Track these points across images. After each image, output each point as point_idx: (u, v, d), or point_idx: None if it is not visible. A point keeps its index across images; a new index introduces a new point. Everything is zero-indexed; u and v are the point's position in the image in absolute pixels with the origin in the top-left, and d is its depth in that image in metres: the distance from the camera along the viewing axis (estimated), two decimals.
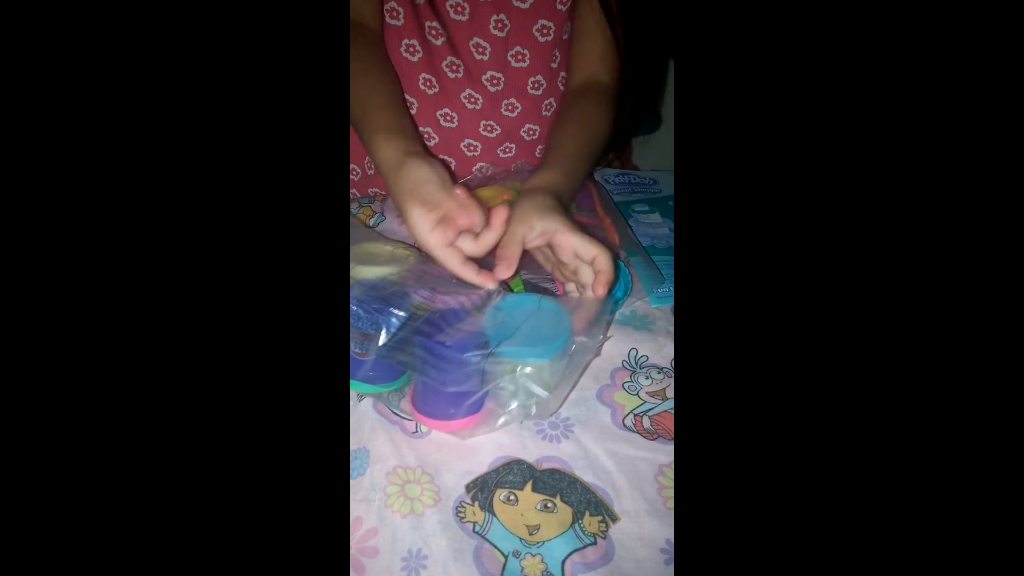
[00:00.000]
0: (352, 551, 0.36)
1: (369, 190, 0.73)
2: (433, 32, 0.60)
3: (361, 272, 0.45)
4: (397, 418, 0.44)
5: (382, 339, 0.41)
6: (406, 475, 0.40)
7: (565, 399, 0.44)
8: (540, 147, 0.70)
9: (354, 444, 0.42)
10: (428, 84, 0.63)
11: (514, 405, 0.41)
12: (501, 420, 0.41)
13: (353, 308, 0.41)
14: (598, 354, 0.48)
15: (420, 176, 0.45)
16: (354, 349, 0.42)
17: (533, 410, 0.41)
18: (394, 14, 0.60)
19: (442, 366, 0.39)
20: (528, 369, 0.41)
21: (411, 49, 0.61)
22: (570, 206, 0.53)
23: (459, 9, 0.59)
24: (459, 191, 0.45)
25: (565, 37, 0.63)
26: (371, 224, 0.63)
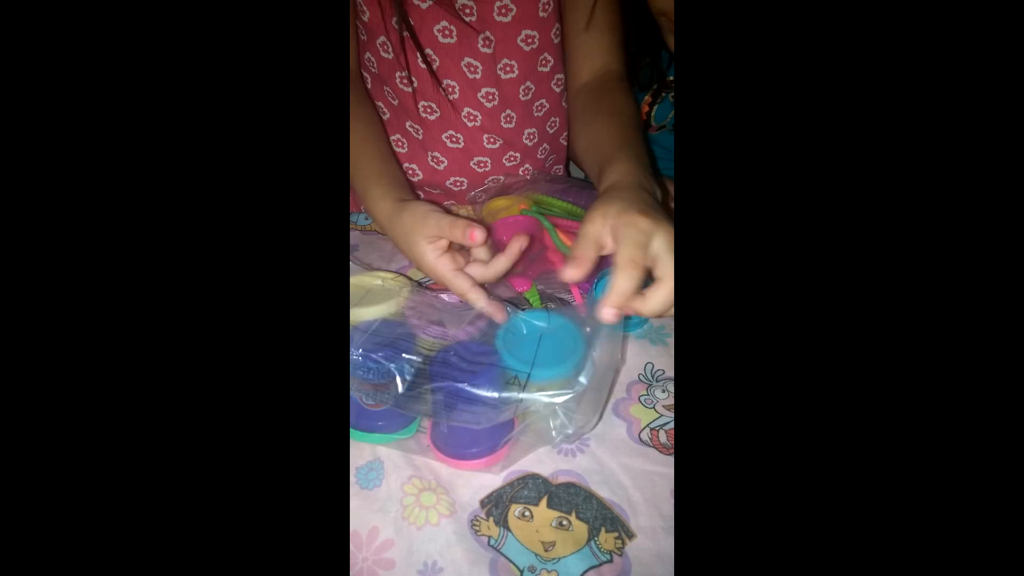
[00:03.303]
0: (369, 562, 0.37)
1: None
2: (428, 58, 0.61)
3: (360, 315, 0.43)
4: None
5: (400, 388, 0.39)
6: (422, 484, 0.40)
7: (599, 418, 0.43)
8: (543, 147, 0.71)
9: (369, 456, 0.42)
10: (429, 111, 0.65)
11: (553, 434, 0.40)
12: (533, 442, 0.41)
13: (359, 359, 0.39)
14: (623, 362, 0.48)
15: (421, 211, 0.46)
16: (366, 401, 0.41)
17: (570, 430, 0.39)
18: (385, 48, 0.61)
19: (474, 408, 0.37)
20: (559, 399, 0.39)
21: (405, 80, 0.63)
22: (655, 191, 0.45)
23: (447, 32, 0.60)
24: (463, 219, 0.46)
25: (557, 41, 0.64)
26: None
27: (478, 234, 0.42)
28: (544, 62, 0.64)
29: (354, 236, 0.64)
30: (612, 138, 0.52)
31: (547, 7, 0.60)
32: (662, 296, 0.37)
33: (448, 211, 0.48)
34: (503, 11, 0.59)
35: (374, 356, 0.39)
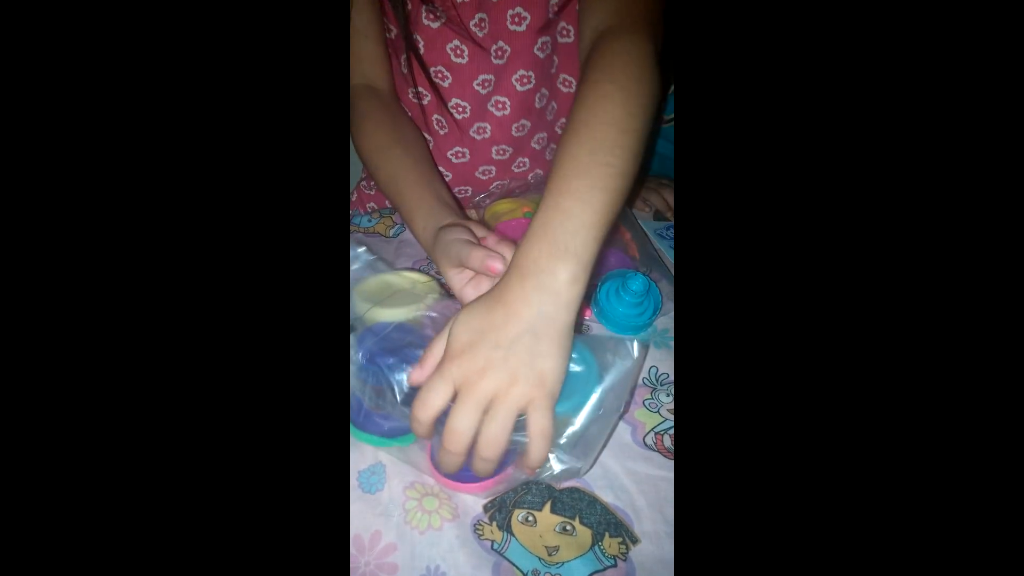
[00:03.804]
0: (372, 566, 0.36)
1: (386, 202, 0.74)
2: (439, 75, 0.62)
3: (378, 315, 0.43)
4: None
5: (396, 398, 0.37)
6: (424, 488, 0.40)
7: (595, 462, 0.41)
8: (551, 148, 0.71)
9: (371, 459, 0.42)
10: (440, 124, 0.66)
11: (546, 472, 0.38)
12: (523, 477, 0.39)
13: (363, 362, 0.38)
14: (626, 411, 0.45)
15: (446, 240, 0.48)
16: (367, 403, 0.40)
17: (559, 469, 0.38)
18: (405, 64, 0.62)
19: None
20: (560, 440, 0.37)
21: (419, 95, 0.63)
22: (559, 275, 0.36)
23: (459, 52, 0.60)
24: (485, 240, 0.47)
25: (561, 40, 0.63)
26: (391, 235, 0.64)
27: (498, 266, 0.42)
28: (551, 62, 0.64)
29: (358, 239, 0.64)
30: (553, 173, 0.40)
31: (555, 7, 0.60)
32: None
33: (473, 231, 0.48)
34: (516, 20, 0.59)
35: (378, 362, 0.38)
